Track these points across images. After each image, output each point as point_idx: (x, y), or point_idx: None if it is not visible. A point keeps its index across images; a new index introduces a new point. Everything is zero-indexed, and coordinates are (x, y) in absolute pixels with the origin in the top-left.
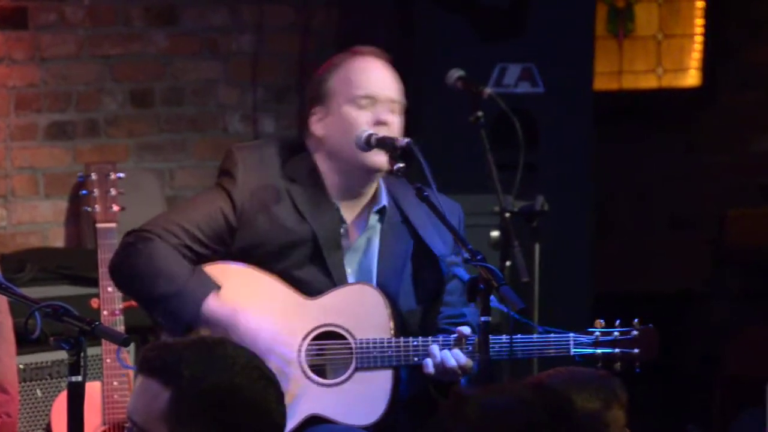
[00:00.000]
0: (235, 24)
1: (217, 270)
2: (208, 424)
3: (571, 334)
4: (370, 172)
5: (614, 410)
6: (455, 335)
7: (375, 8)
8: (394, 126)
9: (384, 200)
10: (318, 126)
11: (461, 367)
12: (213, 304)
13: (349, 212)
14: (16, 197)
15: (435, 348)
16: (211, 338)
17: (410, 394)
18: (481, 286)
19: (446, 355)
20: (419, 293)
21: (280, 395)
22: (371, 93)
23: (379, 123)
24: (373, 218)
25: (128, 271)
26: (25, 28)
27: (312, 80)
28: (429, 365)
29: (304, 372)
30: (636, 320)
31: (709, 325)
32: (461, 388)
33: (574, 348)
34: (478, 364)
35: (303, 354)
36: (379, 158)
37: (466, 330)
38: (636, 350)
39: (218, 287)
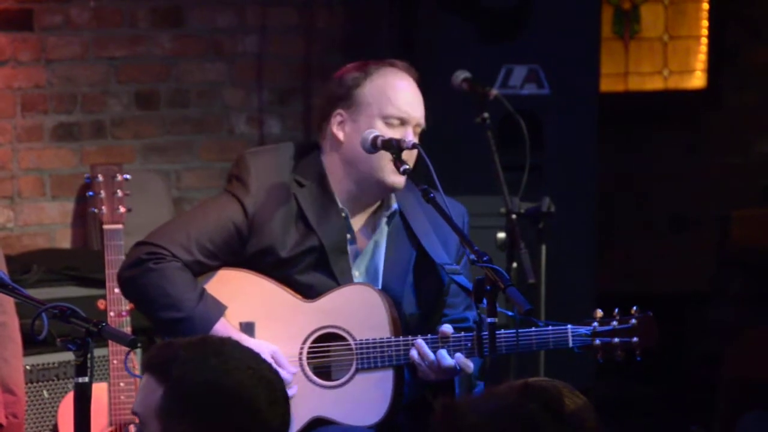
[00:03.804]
0: (240, 26)
1: (219, 278)
2: (196, 422)
3: (569, 326)
4: (387, 190)
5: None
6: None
7: (379, 10)
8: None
9: (395, 205)
10: (339, 129)
11: (460, 366)
12: (220, 331)
13: (357, 218)
14: (23, 198)
15: (424, 345)
16: (215, 338)
17: (413, 396)
18: (488, 287)
19: (442, 354)
20: (422, 297)
21: (273, 396)
22: (404, 115)
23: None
24: (383, 222)
25: (138, 292)
26: (31, 29)
27: (339, 80)
28: (415, 356)
29: (306, 375)
30: (635, 308)
31: (713, 325)
32: (450, 398)
33: (573, 339)
34: (479, 363)
35: (304, 357)
36: (399, 178)
37: (448, 329)
38: (635, 339)
39: (224, 309)
